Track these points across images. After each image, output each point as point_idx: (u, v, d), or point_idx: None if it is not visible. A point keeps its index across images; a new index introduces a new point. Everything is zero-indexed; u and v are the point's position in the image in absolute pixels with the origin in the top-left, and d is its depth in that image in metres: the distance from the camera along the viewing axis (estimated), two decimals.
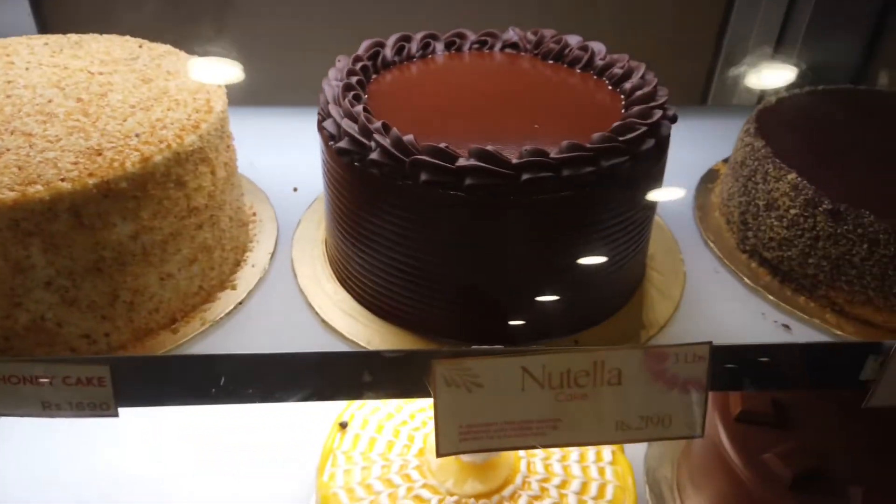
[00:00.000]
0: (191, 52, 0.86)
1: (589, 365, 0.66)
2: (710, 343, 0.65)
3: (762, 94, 1.33)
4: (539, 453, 0.99)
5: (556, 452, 0.99)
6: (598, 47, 0.85)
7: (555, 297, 0.71)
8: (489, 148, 0.63)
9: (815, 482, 0.89)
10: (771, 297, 0.79)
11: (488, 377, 0.65)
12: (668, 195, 0.94)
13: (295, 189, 0.93)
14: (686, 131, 1.14)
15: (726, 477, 0.95)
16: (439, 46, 0.88)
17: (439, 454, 0.68)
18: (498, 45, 0.90)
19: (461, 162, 0.63)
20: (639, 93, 0.74)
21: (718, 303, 0.80)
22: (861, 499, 0.86)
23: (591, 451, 0.99)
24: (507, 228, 0.66)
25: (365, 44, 0.84)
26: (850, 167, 0.81)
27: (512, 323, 0.72)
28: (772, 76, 1.35)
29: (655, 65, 1.52)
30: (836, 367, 0.70)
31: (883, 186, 0.77)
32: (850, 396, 0.86)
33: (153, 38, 0.88)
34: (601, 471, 0.97)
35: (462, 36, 0.90)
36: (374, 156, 0.65)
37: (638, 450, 1.13)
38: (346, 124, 0.69)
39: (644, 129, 0.67)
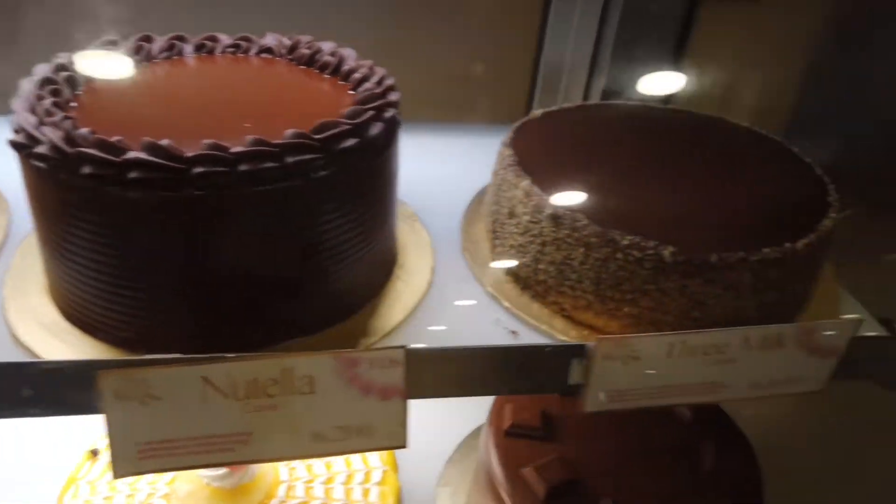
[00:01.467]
0: None
1: (277, 373, 0.62)
2: (404, 347, 0.63)
3: None
4: (303, 475, 0.94)
5: (321, 475, 0.94)
6: (347, 53, 0.83)
7: (263, 303, 0.67)
8: (163, 142, 0.59)
9: (569, 494, 0.88)
10: (506, 304, 0.78)
11: (165, 389, 0.61)
12: (429, 204, 0.94)
13: None
14: (491, 147, 1.15)
15: (492, 492, 0.93)
16: (188, 48, 0.85)
17: (116, 476, 0.62)
18: (253, 50, 0.87)
19: (128, 155, 0.59)
20: (367, 94, 0.73)
21: (456, 310, 0.78)
22: None
23: (359, 473, 0.95)
24: (188, 228, 0.62)
25: (98, 42, 0.80)
26: (587, 177, 0.81)
27: (226, 329, 0.68)
28: (583, 93, 1.40)
29: (478, 85, 1.53)
30: (545, 370, 0.69)
31: (608, 195, 0.78)
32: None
33: None
34: (366, 492, 0.93)
35: (214, 39, 0.87)
36: (41, 149, 0.61)
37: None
38: (23, 118, 0.64)
39: (346, 128, 0.65)
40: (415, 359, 0.65)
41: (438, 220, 0.94)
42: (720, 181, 0.82)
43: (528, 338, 0.74)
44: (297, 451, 0.65)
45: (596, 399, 0.70)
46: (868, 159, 1.21)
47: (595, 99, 1.39)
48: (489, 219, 0.87)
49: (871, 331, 0.82)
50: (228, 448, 0.63)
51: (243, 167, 0.60)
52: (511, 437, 0.95)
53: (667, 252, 0.68)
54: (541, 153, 0.85)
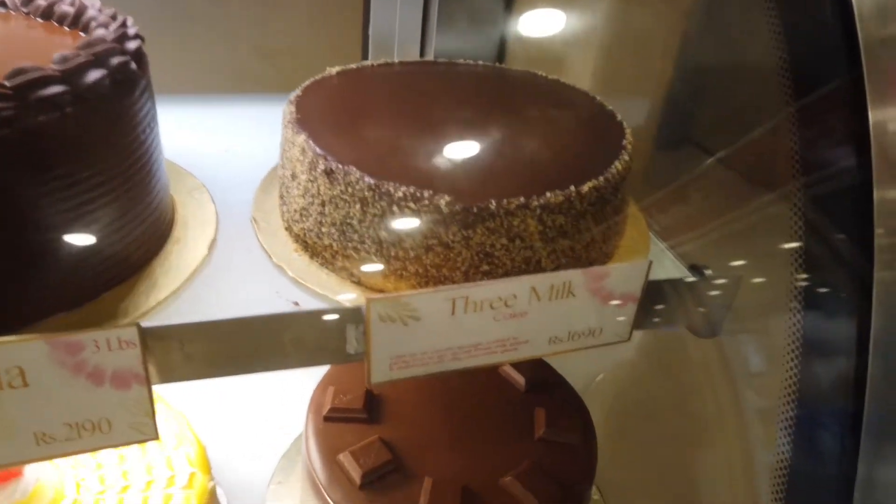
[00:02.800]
0: None
1: None
2: (137, 325, 0.54)
3: None
4: (94, 486, 0.83)
5: (115, 485, 0.84)
6: (89, 2, 0.73)
7: None
8: None
9: (388, 476, 0.82)
10: (292, 274, 0.71)
11: None
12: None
13: None
14: None
15: (312, 483, 0.85)
16: None
17: None
18: None
19: None
20: (90, 40, 0.63)
21: (232, 284, 0.70)
22: (430, 488, 0.80)
23: (162, 479, 0.85)
24: None
25: None
26: (369, 132, 0.75)
27: None
28: (418, 56, 1.34)
29: (308, 57, 1.43)
30: (320, 340, 0.62)
31: (389, 149, 0.72)
32: (444, 385, 0.80)
33: None
34: (167, 498, 0.83)
35: None
36: None
37: None
38: None
39: (47, 73, 0.56)
40: (158, 338, 0.57)
41: (238, 193, 0.85)
42: (515, 132, 0.78)
43: (309, 307, 0.67)
44: (18, 455, 0.55)
45: (380, 368, 0.64)
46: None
47: None
48: (279, 184, 0.80)
49: (676, 276, 0.81)
50: None
51: None
52: (331, 422, 0.88)
53: (442, 202, 0.62)
54: (325, 110, 0.78)
